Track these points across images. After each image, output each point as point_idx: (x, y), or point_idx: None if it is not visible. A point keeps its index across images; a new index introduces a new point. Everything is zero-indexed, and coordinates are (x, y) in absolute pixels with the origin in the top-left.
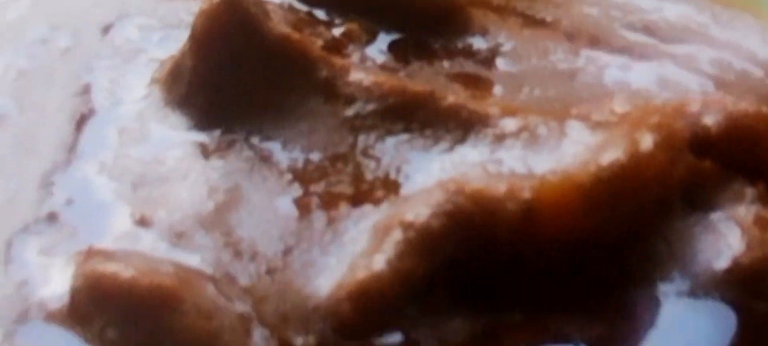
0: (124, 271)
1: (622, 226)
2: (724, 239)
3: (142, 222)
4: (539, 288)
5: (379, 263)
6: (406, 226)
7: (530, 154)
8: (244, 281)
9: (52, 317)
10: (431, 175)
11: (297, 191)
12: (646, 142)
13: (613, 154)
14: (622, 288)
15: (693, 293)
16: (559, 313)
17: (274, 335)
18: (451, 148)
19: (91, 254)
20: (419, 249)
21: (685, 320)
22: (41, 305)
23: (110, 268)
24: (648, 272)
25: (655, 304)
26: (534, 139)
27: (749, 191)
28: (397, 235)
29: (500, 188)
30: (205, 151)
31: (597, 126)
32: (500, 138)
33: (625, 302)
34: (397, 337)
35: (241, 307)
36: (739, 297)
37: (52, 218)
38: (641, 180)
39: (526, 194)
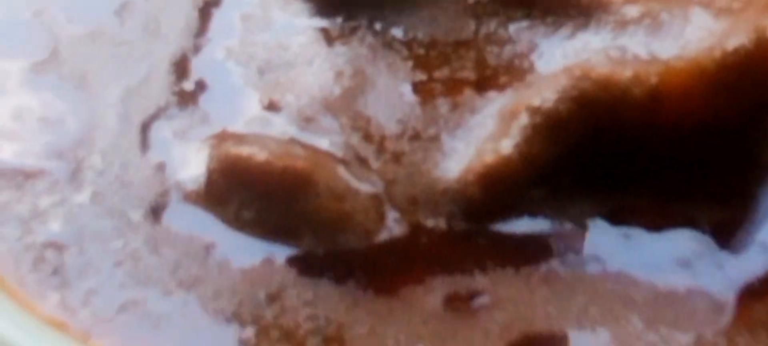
0: (258, 153)
1: (747, 112)
2: None
3: (271, 106)
4: (663, 172)
5: (507, 147)
6: (533, 111)
7: (653, 40)
8: (373, 163)
9: (190, 198)
10: (554, 61)
11: (421, 76)
12: None
13: (738, 40)
14: (746, 174)
15: None
16: (683, 197)
17: (405, 217)
18: (572, 35)
19: (224, 137)
20: (546, 134)
21: None
22: (179, 186)
23: (245, 150)
24: None
25: None
26: (656, 25)
27: None
28: (523, 119)
29: (626, 74)
30: (329, 38)
31: (720, 12)
32: (622, 24)
33: (749, 189)
34: (523, 219)
35: (372, 189)
36: None
37: (183, 101)
38: (766, 66)
39: (653, 80)
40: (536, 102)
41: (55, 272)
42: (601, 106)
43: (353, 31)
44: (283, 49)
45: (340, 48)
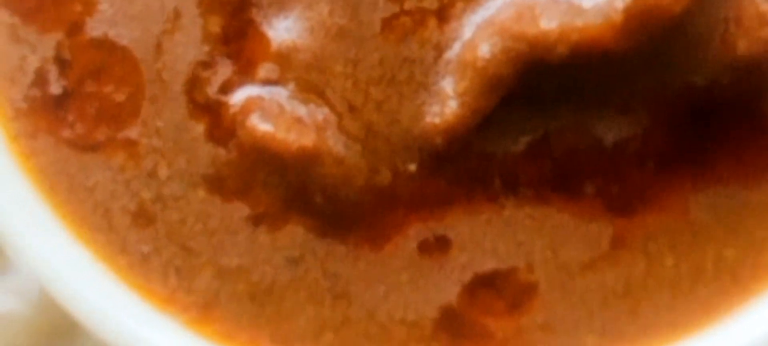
0: (276, 133)
1: (649, 43)
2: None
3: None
4: (582, 95)
5: (460, 105)
6: (479, 72)
7: None
8: (362, 111)
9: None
10: None
11: (393, 8)
12: None
13: None
14: (649, 92)
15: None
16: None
17: (388, 165)
18: None
19: (248, 107)
20: (490, 89)
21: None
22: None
23: (266, 128)
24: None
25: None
26: None
27: None
28: (471, 81)
29: (553, 35)
30: None
31: None
32: None
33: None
34: (475, 153)
35: (362, 145)
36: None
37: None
38: (665, 6)
39: (574, 37)
40: (481, 64)
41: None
42: (532, 60)
43: None
44: None
45: None
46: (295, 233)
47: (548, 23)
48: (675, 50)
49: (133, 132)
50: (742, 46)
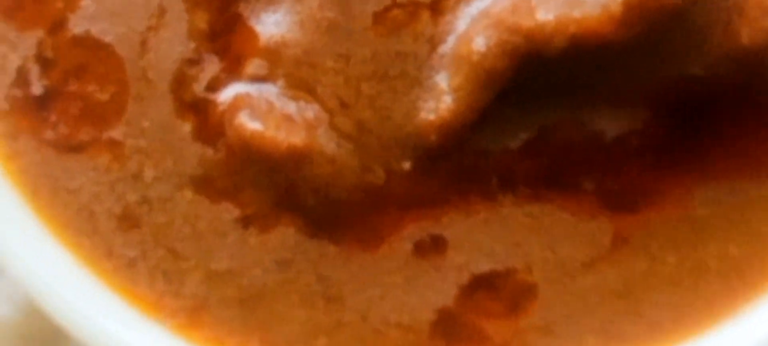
0: (265, 131)
1: (647, 35)
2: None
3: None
4: (581, 88)
5: (455, 101)
6: (474, 66)
7: None
8: (354, 108)
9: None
10: None
11: (384, 1)
12: None
13: None
14: (647, 85)
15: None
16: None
17: (382, 163)
18: None
19: (237, 105)
20: (485, 85)
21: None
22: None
23: (255, 127)
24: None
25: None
26: None
27: None
28: (467, 76)
29: (549, 27)
30: None
31: None
32: None
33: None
34: (471, 151)
35: (354, 143)
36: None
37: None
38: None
39: (572, 29)
40: (476, 58)
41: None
42: (528, 53)
43: None
44: None
45: None
46: (285, 235)
47: (545, 15)
48: (675, 41)
49: (117, 132)
50: (745, 35)
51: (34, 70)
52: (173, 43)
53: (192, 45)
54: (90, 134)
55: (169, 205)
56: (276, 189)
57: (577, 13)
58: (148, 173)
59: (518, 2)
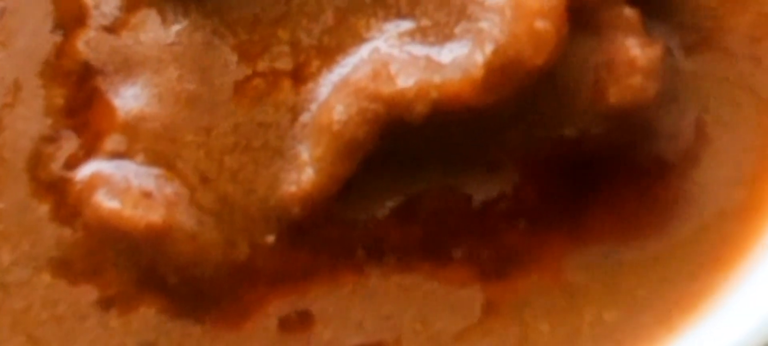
0: (123, 210)
1: (513, 96)
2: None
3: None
4: (445, 153)
5: (317, 172)
6: (335, 137)
7: (433, 44)
8: (216, 183)
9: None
10: (358, 37)
11: (246, 70)
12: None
13: (495, 43)
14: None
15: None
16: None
17: (246, 238)
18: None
19: (94, 183)
20: (348, 154)
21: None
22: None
23: (112, 205)
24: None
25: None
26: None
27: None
28: (328, 146)
29: (410, 93)
30: (167, 22)
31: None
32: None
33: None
34: (337, 221)
35: (216, 218)
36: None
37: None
38: (523, 61)
39: (433, 94)
40: (337, 127)
41: None
42: (390, 121)
43: (186, 13)
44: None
45: (178, 39)
46: (148, 316)
47: (405, 81)
48: (543, 102)
49: None
50: (614, 94)
51: None
52: (29, 120)
53: (49, 122)
54: None
55: (26, 289)
56: (137, 269)
57: (437, 79)
58: (5, 257)
59: (378, 69)
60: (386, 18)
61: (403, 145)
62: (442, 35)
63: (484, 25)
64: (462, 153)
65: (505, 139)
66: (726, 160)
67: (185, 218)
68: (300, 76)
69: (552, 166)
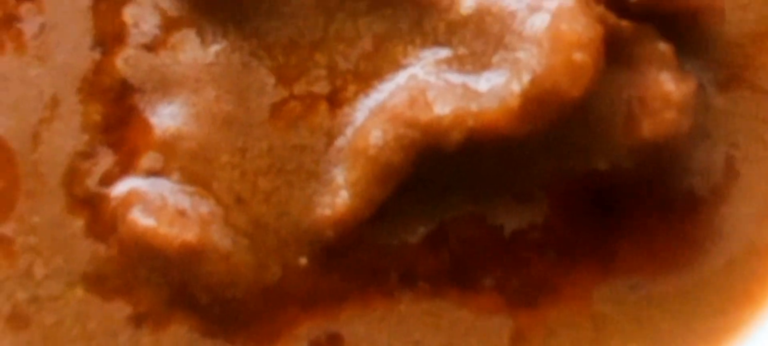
0: (158, 227)
1: (549, 125)
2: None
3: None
4: (479, 181)
5: (352, 196)
6: (371, 161)
7: (471, 71)
8: (250, 204)
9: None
10: (396, 63)
11: (282, 93)
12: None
13: (532, 73)
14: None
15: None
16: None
17: (278, 260)
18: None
19: (130, 200)
20: (383, 179)
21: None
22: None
23: (147, 223)
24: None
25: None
26: (475, 54)
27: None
28: (363, 168)
29: (446, 120)
30: (205, 43)
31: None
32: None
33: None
34: (369, 246)
35: (249, 239)
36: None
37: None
38: (558, 90)
39: (470, 122)
40: (372, 152)
41: None
42: (426, 147)
43: (225, 34)
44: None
45: (216, 60)
46: (178, 334)
47: (442, 108)
48: (576, 134)
49: (7, 229)
50: (647, 128)
51: None
52: (66, 136)
53: (85, 138)
54: None
55: (59, 304)
56: (169, 287)
57: (474, 107)
58: (39, 271)
59: (416, 95)
60: (424, 45)
61: (436, 172)
62: (480, 64)
63: (521, 55)
64: (493, 182)
65: (535, 169)
66: (755, 196)
67: (219, 238)
68: (336, 100)
69: (582, 198)
